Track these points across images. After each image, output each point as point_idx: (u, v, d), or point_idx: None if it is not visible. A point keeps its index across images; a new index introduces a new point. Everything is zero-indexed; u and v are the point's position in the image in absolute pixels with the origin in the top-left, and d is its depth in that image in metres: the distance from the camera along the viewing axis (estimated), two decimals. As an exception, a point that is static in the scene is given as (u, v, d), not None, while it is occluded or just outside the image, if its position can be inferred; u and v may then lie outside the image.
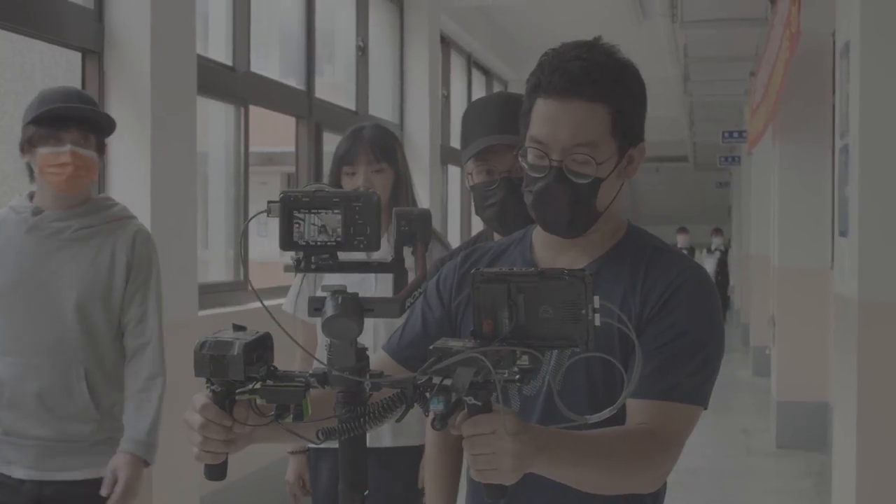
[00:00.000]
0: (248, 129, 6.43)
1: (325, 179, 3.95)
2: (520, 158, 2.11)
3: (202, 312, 5.41)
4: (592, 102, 2.03)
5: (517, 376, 1.66)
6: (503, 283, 1.68)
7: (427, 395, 1.67)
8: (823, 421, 7.86)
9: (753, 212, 14.70)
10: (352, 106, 8.24)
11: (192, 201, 5.29)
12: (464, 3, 9.94)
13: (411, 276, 1.72)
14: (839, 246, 4.93)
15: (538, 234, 2.22)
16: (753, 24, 9.87)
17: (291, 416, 1.74)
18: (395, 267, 1.73)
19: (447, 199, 10.77)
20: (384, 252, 1.76)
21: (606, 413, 1.79)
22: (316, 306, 1.66)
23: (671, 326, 2.03)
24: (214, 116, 6.48)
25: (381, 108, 8.84)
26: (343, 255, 1.72)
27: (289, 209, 1.68)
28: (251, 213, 6.70)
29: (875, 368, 4.39)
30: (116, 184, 4.90)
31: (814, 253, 8.37)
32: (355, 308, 1.64)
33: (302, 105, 7.25)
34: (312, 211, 1.68)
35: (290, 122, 7.29)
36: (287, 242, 1.69)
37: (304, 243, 1.68)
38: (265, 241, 10.18)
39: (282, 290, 6.58)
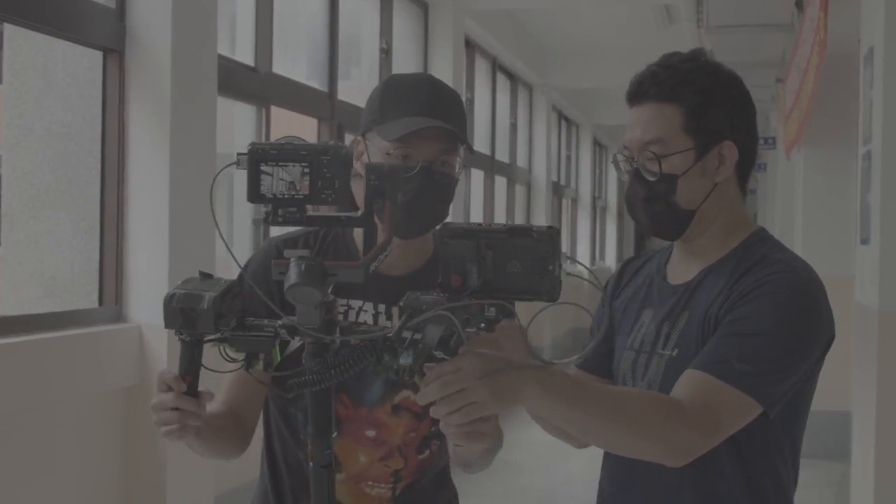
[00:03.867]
0: (270, 129, 6.43)
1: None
2: (615, 161, 2.22)
3: None
4: (660, 102, 2.10)
5: (483, 326, 1.68)
6: (472, 239, 1.70)
7: (398, 349, 1.67)
8: (845, 430, 7.80)
9: (779, 220, 14.62)
10: None
11: (211, 199, 5.27)
12: (489, 6, 9.98)
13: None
14: (861, 254, 4.92)
15: (676, 247, 2.26)
16: (779, 30, 9.89)
17: (262, 363, 1.77)
18: (364, 221, 1.72)
19: (469, 201, 10.78)
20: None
21: (574, 359, 1.88)
22: (280, 270, 1.66)
23: (736, 315, 2.02)
24: (239, 117, 6.49)
25: None
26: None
27: (256, 161, 1.68)
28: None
29: (895, 378, 4.36)
30: (135, 183, 4.91)
31: (838, 261, 8.31)
32: (319, 274, 1.64)
33: (324, 106, 7.27)
34: (280, 164, 1.67)
35: (312, 123, 7.31)
36: (254, 195, 1.69)
37: (271, 196, 1.68)
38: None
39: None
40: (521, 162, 13.45)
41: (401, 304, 1.70)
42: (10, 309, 4.71)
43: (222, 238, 1.83)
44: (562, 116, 16.63)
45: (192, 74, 5.05)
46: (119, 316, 4.91)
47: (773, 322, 2.01)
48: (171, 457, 4.87)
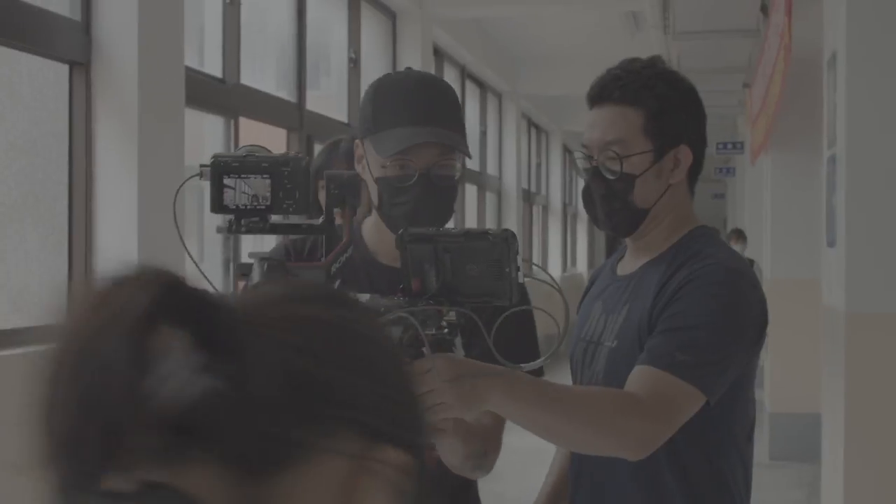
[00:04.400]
0: (238, 140, 6.37)
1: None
2: (576, 160, 2.35)
3: None
4: (622, 105, 2.20)
5: (446, 331, 1.71)
6: (430, 243, 1.73)
7: None
8: (815, 432, 7.85)
9: (748, 223, 14.72)
10: (344, 118, 8.25)
11: (180, 211, 5.25)
12: (457, 15, 10.00)
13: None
14: (827, 256, 4.94)
15: (627, 242, 2.38)
16: (745, 36, 9.91)
17: None
18: (325, 229, 1.79)
19: (465, 213, 10.77)
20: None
21: (539, 362, 1.89)
22: (243, 272, 1.71)
23: (673, 310, 2.10)
24: (207, 128, 6.47)
25: None
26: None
27: (219, 174, 1.74)
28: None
29: (862, 379, 4.38)
30: (103, 196, 4.88)
31: (806, 263, 8.38)
32: (280, 273, 1.69)
33: (293, 117, 7.25)
34: (242, 176, 1.73)
35: (280, 133, 7.30)
36: (217, 206, 1.75)
37: (234, 207, 1.74)
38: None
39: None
40: (491, 170, 13.47)
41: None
42: (-24, 326, 4.66)
43: (186, 250, 1.86)
44: (531, 124, 16.67)
45: (159, 86, 5.02)
46: None
47: (705, 314, 2.09)
48: None
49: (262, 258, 1.71)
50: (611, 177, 2.20)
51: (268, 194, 1.74)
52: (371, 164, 2.13)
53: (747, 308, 2.16)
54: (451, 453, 2.00)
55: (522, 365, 1.83)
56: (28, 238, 4.89)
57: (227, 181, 1.73)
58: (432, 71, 9.81)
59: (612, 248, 21.57)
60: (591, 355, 2.25)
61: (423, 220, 2.04)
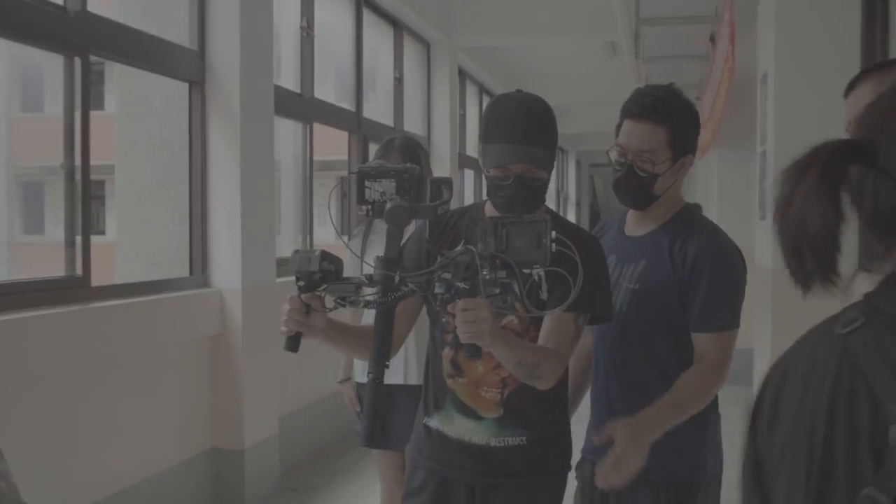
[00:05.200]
0: (313, 142, 6.48)
1: None
2: (609, 153, 2.44)
3: (278, 280, 5.48)
4: (656, 124, 2.33)
5: (497, 281, 1.85)
6: (493, 223, 1.89)
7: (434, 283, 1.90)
8: (749, 362, 7.91)
9: (700, 202, 14.62)
10: (391, 123, 8.27)
11: (271, 197, 5.34)
12: (477, 44, 9.91)
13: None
14: (759, 227, 4.95)
15: (630, 211, 2.51)
16: (698, 60, 9.82)
17: (348, 304, 1.96)
18: (430, 211, 2.01)
19: (463, 196, 10.81)
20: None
21: (559, 310, 2.01)
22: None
23: (705, 281, 2.34)
24: (287, 132, 6.55)
25: (412, 125, 8.87)
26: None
27: (362, 178, 1.96)
28: (313, 209, 6.76)
29: (785, 321, 4.42)
30: (215, 182, 4.95)
31: (743, 233, 8.29)
32: (405, 204, 1.94)
33: (353, 123, 7.26)
34: (377, 180, 1.95)
35: (343, 135, 7.31)
36: (361, 199, 1.97)
37: (371, 200, 1.96)
38: (321, 228, 10.18)
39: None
40: None
41: (446, 256, 1.92)
42: (125, 278, 4.78)
43: (332, 224, 2.06)
44: (532, 127, 16.57)
45: (255, 100, 5.10)
46: (205, 282, 4.97)
47: (729, 282, 2.35)
48: (247, 386, 4.96)
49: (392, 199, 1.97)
50: (642, 174, 2.36)
51: (393, 192, 1.95)
52: (483, 165, 2.22)
53: (742, 267, 2.41)
54: (503, 360, 2.08)
55: (544, 312, 2.00)
56: (160, 214, 5.01)
57: (367, 183, 1.96)
58: (457, 87, 9.84)
59: (594, 222, 21.45)
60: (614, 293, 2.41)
61: (517, 209, 2.11)
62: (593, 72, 12.20)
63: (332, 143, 7.45)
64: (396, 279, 1.91)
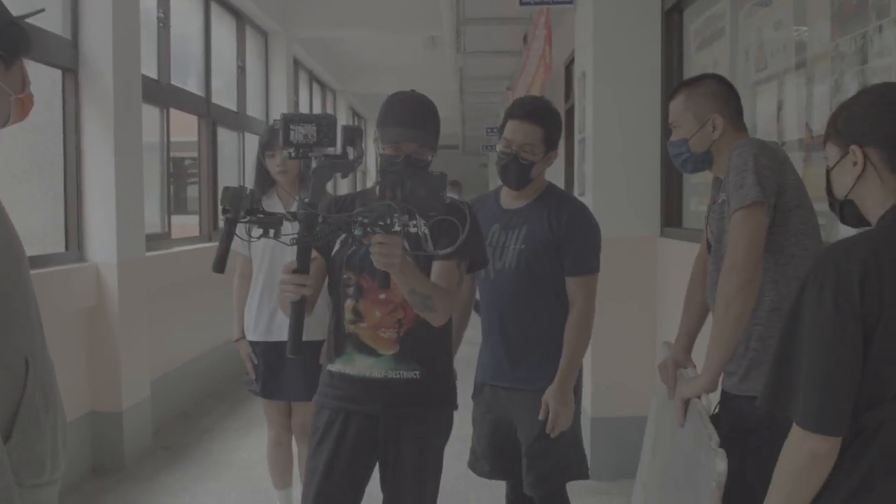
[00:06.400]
0: (170, 124, 6.49)
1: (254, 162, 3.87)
2: (497, 146, 2.88)
3: (148, 254, 5.54)
4: (534, 124, 2.83)
5: (412, 227, 2.15)
6: (399, 174, 2.18)
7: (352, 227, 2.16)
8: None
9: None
10: (234, 108, 8.27)
11: (140, 176, 5.40)
12: (309, 35, 10.01)
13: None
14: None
15: (504, 189, 2.96)
16: (511, 55, 10.34)
17: (272, 236, 2.11)
18: (346, 165, 2.26)
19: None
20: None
21: (448, 251, 2.27)
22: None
23: (574, 238, 2.82)
24: (147, 115, 6.48)
25: (254, 110, 8.91)
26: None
27: (287, 122, 2.15)
28: (172, 186, 6.79)
29: (603, 281, 4.80)
30: (90, 163, 4.98)
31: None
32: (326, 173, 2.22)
33: (203, 108, 7.30)
34: (300, 123, 2.14)
35: (194, 119, 7.30)
36: (286, 141, 2.15)
37: (294, 141, 2.15)
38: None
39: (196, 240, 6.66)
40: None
41: (361, 206, 2.18)
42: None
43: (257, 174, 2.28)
44: (356, 114, 16.72)
45: (126, 87, 5.14)
46: (80, 258, 5.00)
47: (590, 235, 2.88)
48: (123, 353, 5.03)
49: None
50: (524, 162, 2.83)
51: (314, 134, 2.14)
52: (381, 144, 2.46)
53: (598, 227, 2.94)
54: (403, 287, 2.30)
55: (438, 252, 2.27)
56: (35, 193, 5.00)
57: (292, 126, 2.13)
58: (292, 75, 9.86)
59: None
60: (501, 253, 2.87)
61: (404, 185, 2.35)
62: (412, 63, 12.50)
63: (184, 128, 7.40)
64: (320, 219, 2.15)
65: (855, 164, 1.67)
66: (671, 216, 4.69)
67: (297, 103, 10.61)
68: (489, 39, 9.78)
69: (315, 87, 12.41)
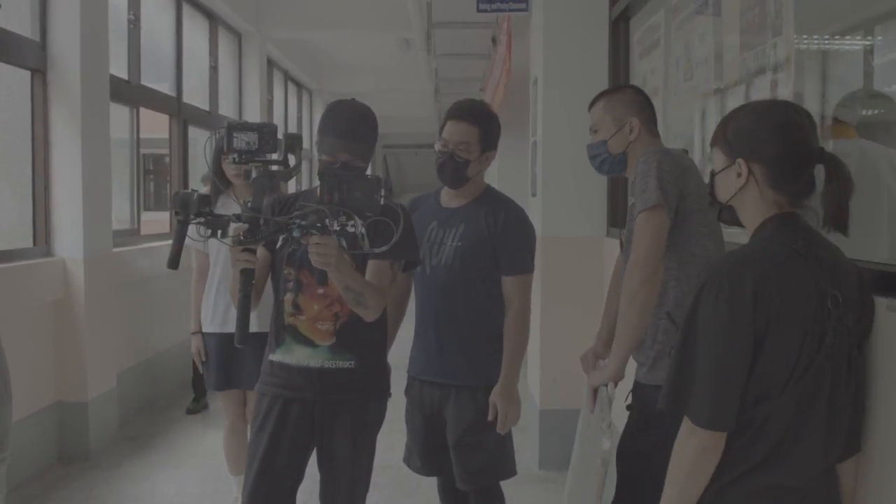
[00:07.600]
0: (140, 123, 6.56)
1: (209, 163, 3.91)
2: (436, 145, 2.91)
3: (115, 249, 5.63)
4: (470, 124, 2.88)
5: (350, 227, 2.29)
6: (335, 178, 2.30)
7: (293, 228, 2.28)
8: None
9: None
10: (206, 108, 8.34)
11: (108, 173, 5.47)
12: (284, 36, 10.04)
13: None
14: (532, 202, 5.27)
15: (444, 189, 2.99)
16: (481, 58, 10.37)
17: (220, 236, 2.27)
18: (289, 174, 2.39)
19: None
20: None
21: (382, 250, 2.33)
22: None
23: (509, 238, 2.87)
24: (116, 113, 6.55)
25: (226, 109, 8.96)
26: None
27: (230, 130, 2.29)
28: (141, 185, 6.88)
29: (552, 275, 4.91)
30: (57, 161, 5.04)
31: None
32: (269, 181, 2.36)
33: (174, 107, 7.36)
34: (242, 131, 2.29)
35: (166, 118, 7.36)
36: (230, 147, 2.29)
37: (237, 148, 2.29)
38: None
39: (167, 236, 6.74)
40: (305, 145, 13.58)
41: (297, 210, 2.30)
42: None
43: (213, 175, 2.38)
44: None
45: (94, 87, 5.20)
46: (48, 252, 5.07)
47: (526, 238, 2.93)
48: (89, 345, 5.11)
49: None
50: (459, 160, 2.87)
51: (255, 141, 2.28)
52: (318, 152, 2.59)
53: (533, 228, 2.98)
54: (339, 284, 2.40)
55: (375, 250, 2.37)
56: (2, 190, 5.06)
57: (235, 134, 2.26)
58: (265, 74, 9.90)
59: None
60: (437, 249, 2.91)
61: (339, 189, 2.44)
62: (388, 64, 12.51)
63: (158, 124, 7.46)
64: (262, 221, 2.29)
65: (739, 175, 1.78)
66: (617, 217, 4.81)
67: (270, 102, 10.68)
68: (459, 42, 9.85)
69: (290, 86, 12.42)
